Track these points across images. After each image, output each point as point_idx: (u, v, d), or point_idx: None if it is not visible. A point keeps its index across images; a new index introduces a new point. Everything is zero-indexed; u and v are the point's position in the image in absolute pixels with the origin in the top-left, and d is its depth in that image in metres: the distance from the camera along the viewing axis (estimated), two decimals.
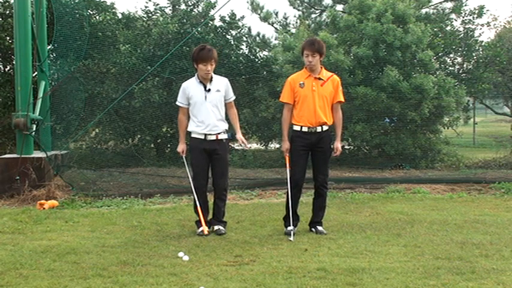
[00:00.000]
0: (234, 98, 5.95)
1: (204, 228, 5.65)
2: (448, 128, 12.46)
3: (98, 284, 4.10)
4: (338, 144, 5.89)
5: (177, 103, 5.87)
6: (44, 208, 7.15)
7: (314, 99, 5.66)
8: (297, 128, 5.74)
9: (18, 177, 7.93)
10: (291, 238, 5.50)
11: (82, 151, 11.25)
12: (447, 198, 8.07)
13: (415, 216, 6.65)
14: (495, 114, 24.72)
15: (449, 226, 6.08)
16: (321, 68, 5.77)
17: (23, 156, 8.06)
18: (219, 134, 5.72)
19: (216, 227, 5.82)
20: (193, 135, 5.76)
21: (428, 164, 11.43)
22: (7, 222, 6.27)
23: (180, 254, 4.86)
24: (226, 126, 5.81)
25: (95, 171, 9.88)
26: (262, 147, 13.06)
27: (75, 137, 10.22)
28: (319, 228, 5.81)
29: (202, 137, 5.69)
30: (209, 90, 5.71)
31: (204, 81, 5.72)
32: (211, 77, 5.75)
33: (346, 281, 4.13)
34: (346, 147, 12.39)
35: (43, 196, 7.72)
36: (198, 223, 5.77)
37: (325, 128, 5.73)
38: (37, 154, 8.45)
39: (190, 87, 5.75)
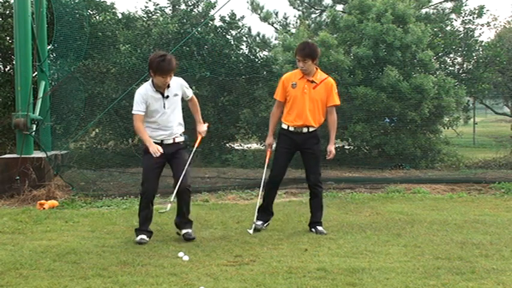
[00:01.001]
0: (192, 93, 5.70)
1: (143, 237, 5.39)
2: (448, 128, 12.47)
3: (98, 284, 4.10)
4: (332, 148, 5.89)
5: (134, 112, 5.39)
6: (44, 208, 7.15)
7: (304, 101, 5.67)
8: (284, 126, 5.82)
9: (18, 177, 7.92)
10: (250, 231, 5.60)
11: (82, 151, 11.24)
12: (447, 198, 8.07)
13: (415, 216, 6.65)
14: (495, 114, 24.73)
15: (449, 226, 6.07)
16: (316, 70, 5.77)
17: (23, 156, 8.06)
18: (175, 137, 5.51)
19: (184, 231, 5.50)
20: None
21: (428, 164, 11.42)
22: (7, 222, 6.26)
23: (180, 254, 4.86)
24: (183, 129, 5.61)
25: (95, 171, 9.88)
26: (262, 147, 13.06)
27: (75, 137, 10.22)
28: (319, 228, 5.81)
29: (159, 141, 5.47)
30: (167, 97, 5.41)
31: (162, 89, 5.40)
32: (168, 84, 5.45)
33: (346, 281, 4.13)
34: (346, 147, 12.40)
35: (43, 196, 7.71)
36: (138, 231, 5.45)
37: (311, 129, 5.76)
38: (37, 154, 8.45)
39: (148, 95, 5.38)
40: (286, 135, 5.80)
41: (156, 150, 5.32)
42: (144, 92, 5.40)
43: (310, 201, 5.98)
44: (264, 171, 5.94)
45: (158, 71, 5.25)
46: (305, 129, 5.73)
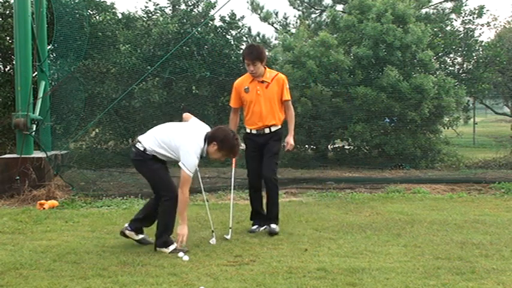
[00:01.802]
0: None
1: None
2: (448, 128, 12.48)
3: (98, 284, 4.10)
4: (290, 139, 5.84)
5: (189, 173, 4.88)
6: (44, 208, 7.15)
7: (260, 103, 5.71)
8: (247, 130, 5.89)
9: (18, 177, 7.92)
10: (228, 236, 5.49)
11: (82, 151, 11.25)
12: (447, 198, 8.07)
13: (415, 216, 6.65)
14: (495, 114, 24.75)
15: (449, 226, 6.07)
16: (265, 69, 5.80)
17: (23, 156, 8.06)
18: None
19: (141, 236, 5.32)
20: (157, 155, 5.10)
21: (428, 164, 11.43)
22: (7, 222, 6.27)
23: (180, 254, 4.86)
24: None
25: (95, 171, 9.88)
26: None
27: (75, 137, 10.22)
28: (272, 226, 5.74)
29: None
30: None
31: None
32: None
33: (346, 281, 4.13)
34: (346, 147, 12.41)
35: (43, 196, 7.72)
36: (170, 242, 5.11)
37: (273, 129, 5.79)
38: (37, 154, 8.45)
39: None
40: (250, 138, 5.89)
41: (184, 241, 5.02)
42: (199, 155, 5.02)
43: (267, 195, 5.87)
44: (232, 175, 5.95)
45: (226, 150, 5.02)
46: (267, 130, 5.77)
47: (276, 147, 5.81)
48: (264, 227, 5.92)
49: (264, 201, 5.99)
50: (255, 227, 5.89)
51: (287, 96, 5.84)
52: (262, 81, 5.74)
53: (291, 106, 5.92)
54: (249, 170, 5.95)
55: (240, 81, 5.89)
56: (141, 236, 5.30)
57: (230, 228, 5.64)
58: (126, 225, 5.31)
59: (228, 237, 5.49)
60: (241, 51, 6.03)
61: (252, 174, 5.92)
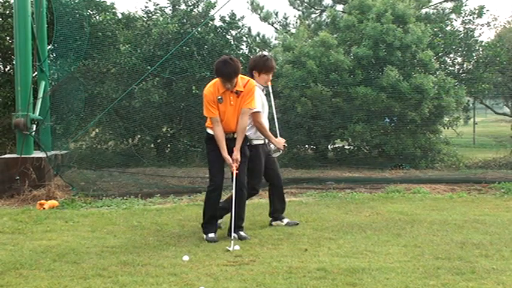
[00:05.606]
0: None
1: None
2: (448, 128, 12.48)
3: (98, 284, 4.09)
4: (237, 155, 5.47)
5: None
6: (44, 208, 7.14)
7: (233, 114, 5.51)
8: (212, 132, 5.57)
9: (18, 177, 7.92)
10: (230, 248, 5.08)
11: (82, 151, 11.26)
12: (447, 198, 8.06)
13: (415, 216, 6.65)
14: (495, 114, 24.78)
15: (449, 226, 6.07)
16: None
17: (23, 156, 8.06)
18: None
19: None
20: None
21: (428, 164, 11.43)
22: (7, 222, 6.26)
23: (185, 257, 4.76)
24: None
25: (95, 171, 9.88)
26: None
27: (75, 137, 10.23)
28: (242, 233, 5.56)
29: None
30: None
31: None
32: None
33: (346, 281, 4.13)
34: (346, 147, 12.41)
35: (43, 196, 7.71)
36: None
37: None
38: (37, 154, 8.45)
39: None
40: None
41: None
42: None
43: (238, 200, 5.55)
44: (234, 186, 5.50)
45: None
46: (235, 135, 5.57)
47: (247, 151, 5.68)
48: (216, 233, 5.59)
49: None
50: (212, 234, 5.52)
51: (252, 104, 5.59)
52: (236, 92, 5.49)
53: (247, 116, 5.60)
54: (214, 171, 5.56)
55: (213, 90, 5.50)
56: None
57: (232, 240, 5.27)
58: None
59: (230, 249, 5.09)
60: (215, 64, 5.61)
61: (218, 174, 5.56)
